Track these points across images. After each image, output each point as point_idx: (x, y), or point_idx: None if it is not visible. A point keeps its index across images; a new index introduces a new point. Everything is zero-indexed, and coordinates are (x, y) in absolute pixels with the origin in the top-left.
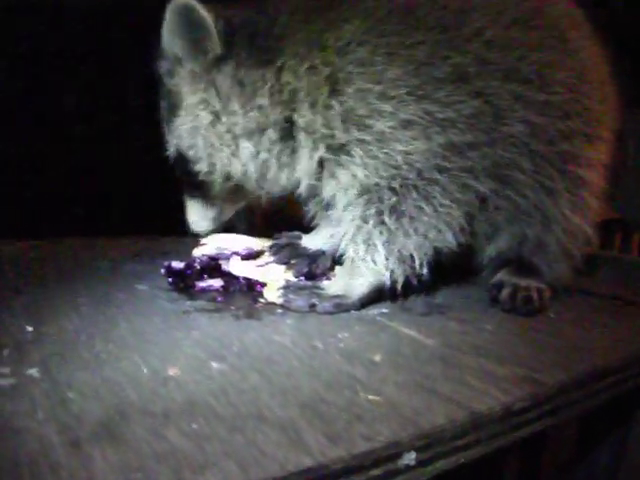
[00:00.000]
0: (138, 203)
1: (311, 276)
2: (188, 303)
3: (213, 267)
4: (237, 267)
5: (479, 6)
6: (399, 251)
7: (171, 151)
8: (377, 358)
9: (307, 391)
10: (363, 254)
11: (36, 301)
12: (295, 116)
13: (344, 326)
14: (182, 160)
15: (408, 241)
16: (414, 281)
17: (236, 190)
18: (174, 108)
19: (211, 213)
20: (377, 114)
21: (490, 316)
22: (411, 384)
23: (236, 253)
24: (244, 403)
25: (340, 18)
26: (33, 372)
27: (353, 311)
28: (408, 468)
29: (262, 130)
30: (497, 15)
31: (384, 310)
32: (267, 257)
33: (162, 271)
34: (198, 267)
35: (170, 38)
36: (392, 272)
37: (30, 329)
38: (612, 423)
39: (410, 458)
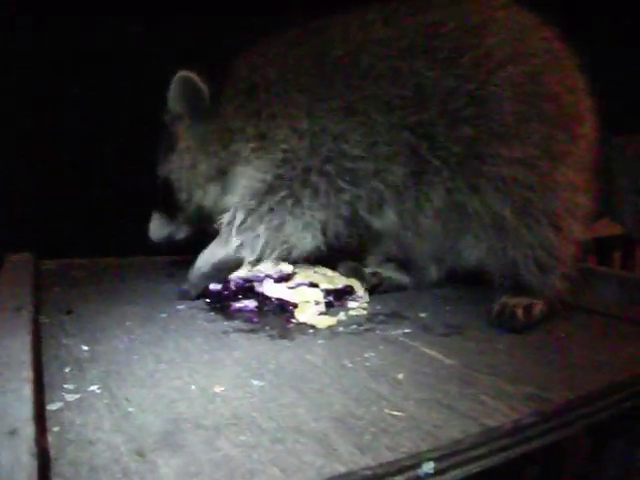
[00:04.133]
0: None
1: (339, 296)
2: (226, 323)
3: (247, 289)
4: (270, 289)
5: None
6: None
7: (160, 179)
8: (400, 376)
9: (338, 406)
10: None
11: (87, 321)
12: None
13: (370, 346)
14: (167, 187)
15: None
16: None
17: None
18: (169, 149)
19: (169, 229)
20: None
21: (505, 336)
22: (430, 401)
23: (269, 276)
24: (283, 417)
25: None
26: (94, 389)
27: (378, 331)
28: (427, 476)
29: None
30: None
31: (407, 330)
32: (298, 280)
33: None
34: (234, 288)
35: (174, 100)
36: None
37: (86, 348)
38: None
39: (429, 467)
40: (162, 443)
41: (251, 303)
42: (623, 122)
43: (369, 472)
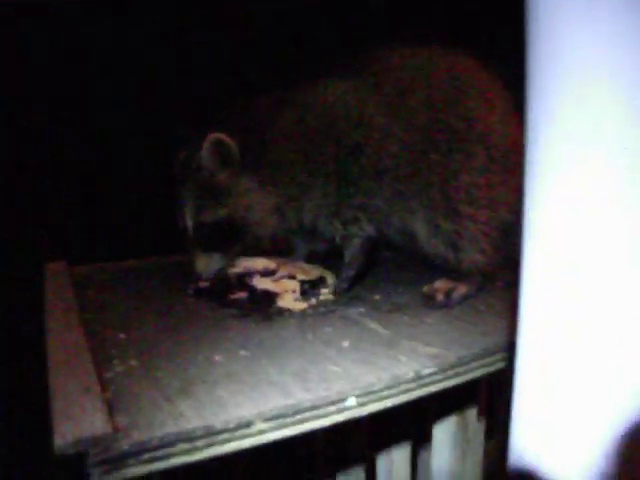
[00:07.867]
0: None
1: (313, 285)
2: (223, 312)
3: (241, 283)
4: (258, 282)
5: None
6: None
7: (211, 222)
8: (345, 344)
9: (296, 366)
10: None
11: (119, 315)
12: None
13: (330, 324)
14: (224, 226)
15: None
16: None
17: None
18: (214, 197)
19: (221, 263)
20: None
21: (434, 312)
22: (361, 360)
23: (257, 271)
24: (258, 374)
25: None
26: (133, 362)
27: (338, 312)
28: (352, 407)
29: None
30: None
31: (361, 309)
32: (280, 273)
33: (190, 292)
34: (233, 282)
35: (207, 158)
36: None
37: (123, 336)
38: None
39: (352, 401)
40: (180, 392)
41: (243, 294)
42: None
43: (309, 403)
